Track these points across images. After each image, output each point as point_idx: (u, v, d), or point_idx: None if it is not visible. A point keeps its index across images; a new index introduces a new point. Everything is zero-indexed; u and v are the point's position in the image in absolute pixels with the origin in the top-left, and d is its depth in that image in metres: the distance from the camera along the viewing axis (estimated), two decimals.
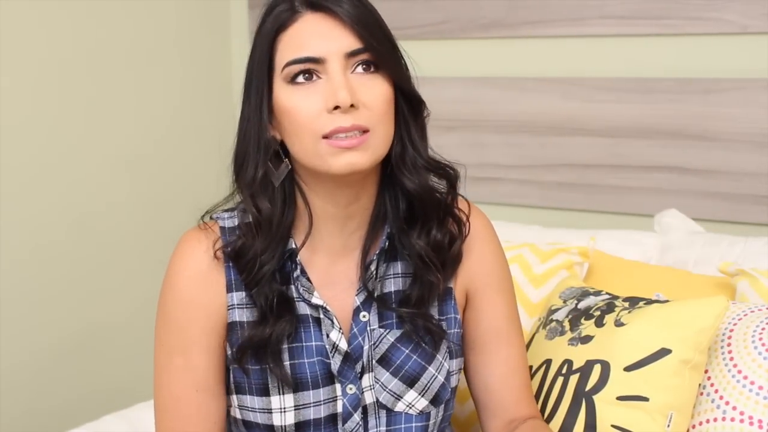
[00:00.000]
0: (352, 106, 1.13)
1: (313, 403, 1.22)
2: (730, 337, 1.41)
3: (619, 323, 1.42)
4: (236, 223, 1.24)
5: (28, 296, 2.16)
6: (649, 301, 1.47)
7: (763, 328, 1.40)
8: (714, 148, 1.96)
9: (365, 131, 1.14)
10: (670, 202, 1.99)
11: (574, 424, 1.38)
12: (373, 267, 1.25)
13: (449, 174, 1.26)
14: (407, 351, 1.25)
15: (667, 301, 1.47)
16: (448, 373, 1.27)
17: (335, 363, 1.23)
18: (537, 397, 1.45)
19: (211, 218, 1.26)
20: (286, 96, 1.16)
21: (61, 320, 2.23)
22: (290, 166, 1.20)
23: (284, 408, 1.22)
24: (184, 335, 1.22)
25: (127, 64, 2.34)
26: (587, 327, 1.46)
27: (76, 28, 2.22)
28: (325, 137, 1.14)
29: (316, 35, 1.14)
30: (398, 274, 1.28)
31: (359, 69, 1.16)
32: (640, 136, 2.05)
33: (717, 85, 1.95)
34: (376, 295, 1.24)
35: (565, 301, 1.58)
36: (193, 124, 2.52)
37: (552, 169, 2.17)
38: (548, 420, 1.41)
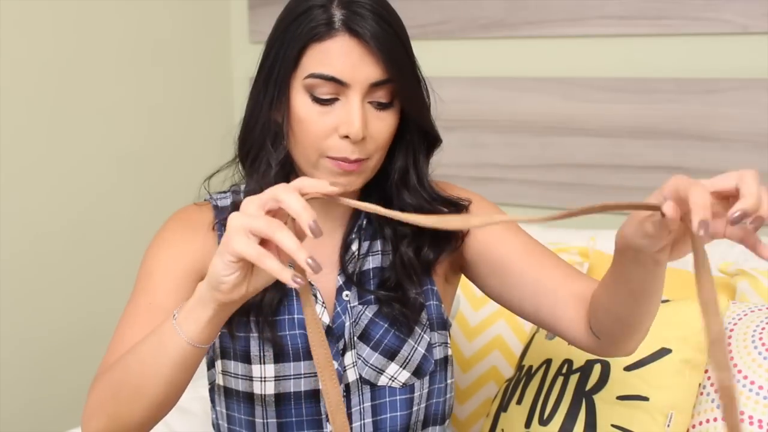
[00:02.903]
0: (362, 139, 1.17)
1: (294, 375, 1.24)
2: (730, 337, 1.41)
3: None
4: (228, 203, 1.29)
5: (28, 295, 2.16)
6: None
7: (763, 328, 1.40)
8: (713, 148, 1.96)
9: (366, 159, 1.19)
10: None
11: (574, 423, 1.38)
12: (354, 247, 1.28)
13: (458, 206, 1.30)
14: (386, 325, 1.27)
15: (667, 301, 1.47)
16: (429, 345, 1.28)
17: None
18: (537, 397, 1.45)
19: (204, 200, 1.32)
20: (302, 105, 1.18)
21: (62, 319, 2.23)
22: (287, 149, 1.22)
23: (265, 377, 1.23)
24: (154, 278, 1.22)
25: (127, 63, 2.34)
26: None
27: (76, 28, 2.22)
28: (329, 157, 1.18)
29: (347, 59, 1.15)
30: (377, 251, 1.30)
31: (375, 104, 1.18)
32: (640, 136, 2.05)
33: (716, 85, 1.95)
34: (355, 273, 1.27)
35: None
36: (193, 123, 2.52)
37: (552, 169, 2.17)
38: (548, 420, 1.42)
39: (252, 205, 0.94)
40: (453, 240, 1.30)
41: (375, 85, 1.17)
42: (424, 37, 2.26)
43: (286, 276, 0.92)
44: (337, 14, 1.16)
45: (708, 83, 1.96)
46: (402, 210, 1.27)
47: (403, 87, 1.19)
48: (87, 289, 2.28)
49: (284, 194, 0.93)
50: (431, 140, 1.26)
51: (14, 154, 2.11)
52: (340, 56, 1.15)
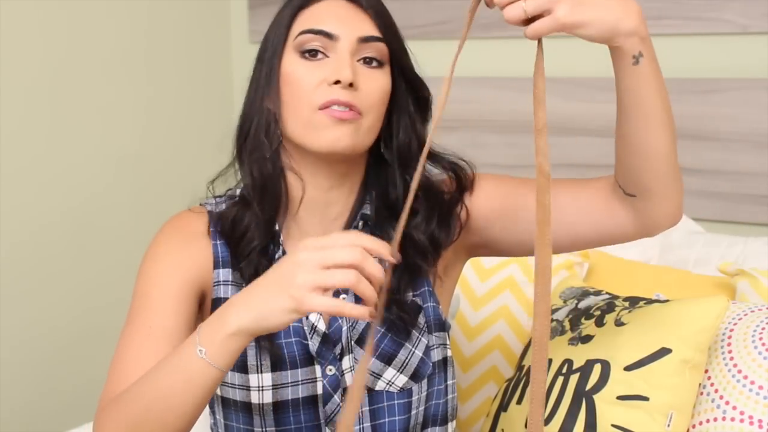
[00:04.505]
0: (351, 85, 1.17)
1: (291, 382, 1.23)
2: (730, 337, 1.41)
3: (619, 323, 1.42)
4: (224, 208, 1.29)
5: (27, 295, 2.16)
6: (650, 301, 1.47)
7: (763, 328, 1.40)
8: (713, 148, 1.96)
9: (359, 113, 1.19)
10: None
11: (574, 423, 1.38)
12: None
13: (462, 170, 1.31)
14: (382, 330, 1.26)
15: (667, 301, 1.47)
16: (427, 348, 1.28)
17: (313, 344, 1.24)
18: None
19: (200, 205, 1.32)
20: (292, 66, 1.20)
21: (61, 319, 2.23)
22: (281, 139, 1.23)
23: (262, 386, 1.23)
24: (152, 298, 1.21)
25: (127, 63, 2.34)
26: (587, 327, 1.46)
27: (74, 28, 2.22)
28: (321, 108, 1.18)
29: (335, 16, 1.20)
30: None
31: (365, 62, 1.21)
32: None
33: (717, 85, 1.95)
34: None
35: (565, 301, 1.58)
36: (193, 123, 2.52)
37: (552, 169, 2.16)
38: (548, 420, 1.41)
39: (314, 264, 0.97)
40: (453, 229, 1.30)
41: (365, 41, 1.19)
42: (424, 37, 2.25)
43: (363, 312, 0.98)
44: None
45: (708, 83, 1.96)
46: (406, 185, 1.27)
47: (391, 43, 1.22)
48: (86, 289, 2.28)
49: (360, 242, 0.98)
50: (422, 102, 1.28)
51: (12, 155, 2.11)
52: (329, 14, 1.20)
